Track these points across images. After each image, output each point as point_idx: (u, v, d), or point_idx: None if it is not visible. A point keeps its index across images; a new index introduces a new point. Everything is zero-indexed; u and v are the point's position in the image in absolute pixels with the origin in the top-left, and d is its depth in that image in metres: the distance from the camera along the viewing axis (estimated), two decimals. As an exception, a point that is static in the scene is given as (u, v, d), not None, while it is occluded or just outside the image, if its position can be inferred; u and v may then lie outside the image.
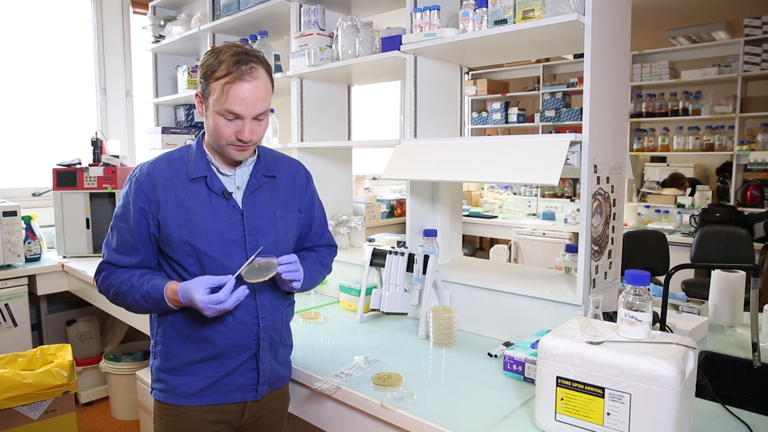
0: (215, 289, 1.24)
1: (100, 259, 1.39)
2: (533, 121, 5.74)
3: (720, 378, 1.62)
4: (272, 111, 2.52)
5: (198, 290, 1.23)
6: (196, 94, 1.33)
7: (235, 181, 1.38)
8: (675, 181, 5.03)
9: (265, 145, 2.82)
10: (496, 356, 1.63)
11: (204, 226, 1.31)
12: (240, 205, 1.36)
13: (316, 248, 1.59)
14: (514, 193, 5.81)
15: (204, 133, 1.40)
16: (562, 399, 1.15)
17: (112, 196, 3.11)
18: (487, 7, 1.75)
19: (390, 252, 1.94)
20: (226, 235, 1.33)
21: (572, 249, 1.90)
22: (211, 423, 1.36)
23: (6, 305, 2.78)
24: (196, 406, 1.35)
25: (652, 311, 1.16)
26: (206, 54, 1.31)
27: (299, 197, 1.49)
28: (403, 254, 1.91)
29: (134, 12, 3.89)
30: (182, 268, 1.33)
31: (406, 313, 1.92)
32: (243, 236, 1.34)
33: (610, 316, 1.50)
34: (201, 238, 1.30)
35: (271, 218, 1.39)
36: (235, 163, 1.39)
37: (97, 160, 3.23)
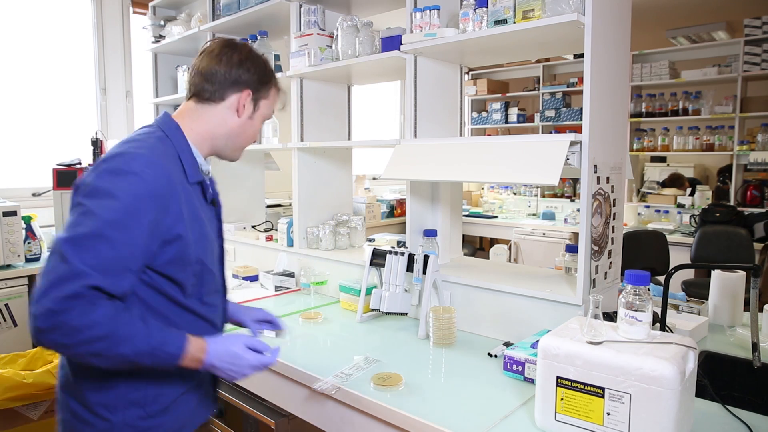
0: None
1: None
2: (533, 121, 5.74)
3: (720, 378, 1.62)
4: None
5: (243, 348, 1.11)
6: (246, 92, 1.19)
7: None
8: (675, 181, 5.03)
9: (264, 145, 2.75)
10: (496, 356, 1.63)
11: (210, 240, 1.17)
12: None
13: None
14: (514, 193, 5.81)
15: (177, 126, 1.16)
16: (562, 399, 1.15)
17: (112, 196, 3.11)
18: (487, 7, 1.74)
19: (390, 252, 1.94)
20: (216, 248, 1.23)
21: (572, 249, 1.90)
22: None
23: (6, 305, 2.77)
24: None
25: (652, 311, 1.16)
26: (250, 50, 1.21)
27: None
28: (403, 254, 1.91)
29: (134, 12, 3.89)
30: (177, 288, 1.10)
31: (406, 313, 1.92)
32: (221, 249, 1.26)
33: (610, 316, 1.49)
34: (209, 255, 1.16)
35: None
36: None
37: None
